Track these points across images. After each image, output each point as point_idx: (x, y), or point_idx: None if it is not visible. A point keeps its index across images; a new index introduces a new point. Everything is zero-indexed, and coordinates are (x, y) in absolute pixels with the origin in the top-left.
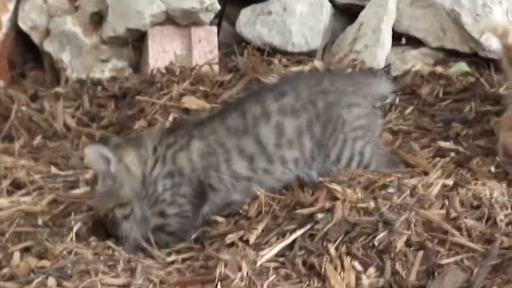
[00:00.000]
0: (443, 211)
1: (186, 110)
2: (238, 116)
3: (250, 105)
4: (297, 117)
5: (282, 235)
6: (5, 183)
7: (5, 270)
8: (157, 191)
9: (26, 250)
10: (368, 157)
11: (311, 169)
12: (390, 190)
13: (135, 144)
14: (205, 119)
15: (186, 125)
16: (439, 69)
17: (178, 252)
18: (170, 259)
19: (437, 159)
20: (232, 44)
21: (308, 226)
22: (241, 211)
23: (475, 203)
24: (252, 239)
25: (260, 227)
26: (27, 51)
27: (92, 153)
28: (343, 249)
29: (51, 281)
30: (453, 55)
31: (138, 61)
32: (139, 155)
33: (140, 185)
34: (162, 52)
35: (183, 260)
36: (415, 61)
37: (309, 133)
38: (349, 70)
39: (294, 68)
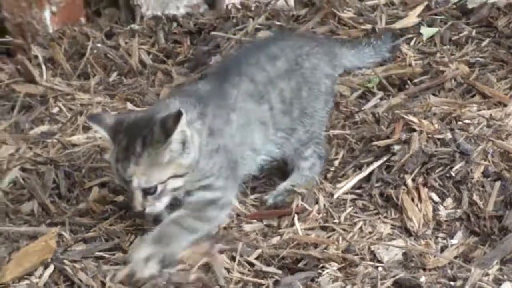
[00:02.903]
0: None
1: None
2: (248, 82)
3: (256, 73)
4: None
5: (359, 167)
6: (81, 119)
7: (82, 205)
8: (209, 165)
9: (102, 186)
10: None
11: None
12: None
13: (188, 112)
14: (220, 87)
15: (211, 93)
16: None
17: (253, 188)
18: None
19: None
20: None
21: (384, 158)
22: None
23: None
24: (329, 174)
25: (336, 161)
26: None
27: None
28: (420, 180)
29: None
30: None
31: None
32: (191, 123)
33: (198, 154)
34: None
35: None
36: None
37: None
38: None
39: (370, 2)
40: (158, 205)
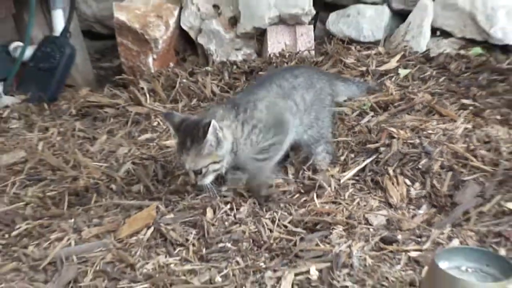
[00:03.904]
0: (465, 145)
1: None
2: (277, 87)
3: (281, 81)
4: (308, 92)
5: (357, 162)
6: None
7: (172, 187)
8: (253, 141)
9: (185, 174)
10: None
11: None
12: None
13: (225, 117)
14: (252, 91)
15: (241, 99)
16: (462, 51)
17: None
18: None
19: (461, 111)
20: (323, 37)
21: (374, 156)
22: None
23: (486, 139)
24: (336, 168)
25: (342, 157)
26: (187, 43)
27: (213, 126)
28: (398, 171)
29: None
30: (471, 42)
31: (260, 49)
32: (229, 125)
33: (231, 145)
34: (276, 42)
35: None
36: (446, 46)
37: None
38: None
39: (365, 52)
40: (205, 180)
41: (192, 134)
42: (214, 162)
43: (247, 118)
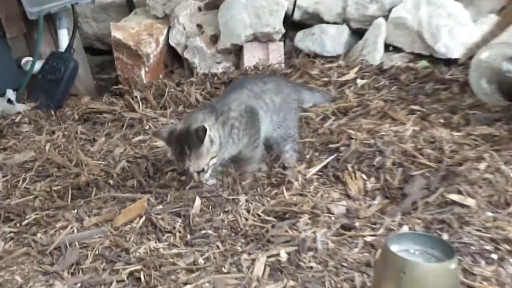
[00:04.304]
0: (413, 145)
1: None
2: (248, 91)
3: (252, 86)
4: (277, 96)
5: (321, 160)
6: None
7: (161, 182)
8: (235, 140)
9: (173, 170)
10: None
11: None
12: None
13: (206, 121)
14: (226, 96)
15: (219, 103)
16: (411, 64)
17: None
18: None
19: (410, 115)
20: (292, 52)
21: (335, 154)
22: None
23: (432, 140)
24: (303, 165)
25: (307, 156)
26: (174, 58)
27: (208, 128)
28: (356, 167)
29: None
30: (419, 56)
31: (238, 63)
32: (212, 125)
33: (218, 140)
34: (251, 57)
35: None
36: (397, 60)
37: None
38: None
39: (327, 65)
40: (206, 175)
41: (187, 141)
42: (212, 158)
43: (225, 120)
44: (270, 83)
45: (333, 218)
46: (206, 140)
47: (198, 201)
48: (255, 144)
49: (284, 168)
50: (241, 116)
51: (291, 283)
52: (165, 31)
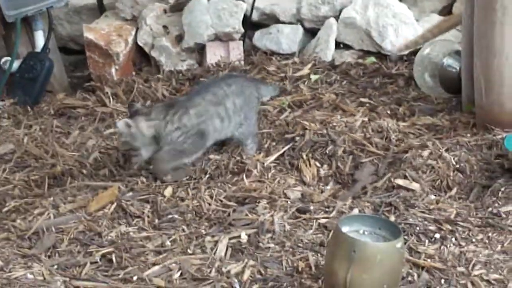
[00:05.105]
0: (363, 134)
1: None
2: (211, 95)
3: (216, 89)
4: (239, 98)
5: (278, 149)
6: None
7: (131, 171)
8: (172, 139)
9: None
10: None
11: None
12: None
13: (147, 115)
14: (190, 97)
15: (180, 102)
16: (360, 60)
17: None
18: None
19: (359, 107)
20: (251, 50)
21: (291, 144)
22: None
23: (379, 130)
24: (261, 154)
25: (265, 145)
26: (142, 56)
27: (121, 123)
28: (310, 155)
29: None
30: (367, 53)
31: (201, 60)
32: (149, 123)
33: (147, 139)
34: (213, 55)
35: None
36: (347, 57)
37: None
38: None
39: (283, 62)
40: (134, 159)
41: None
42: (133, 150)
43: (173, 119)
44: (234, 85)
45: (289, 202)
46: (121, 130)
47: (169, 188)
48: (181, 155)
49: (242, 157)
50: (191, 129)
51: (251, 262)
52: (133, 32)
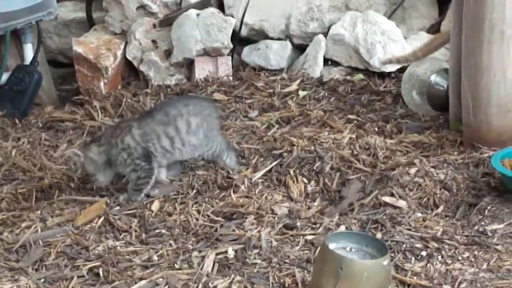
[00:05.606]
0: (350, 151)
1: (216, 100)
2: (163, 114)
3: (170, 109)
4: (196, 117)
5: (265, 165)
6: None
7: (117, 186)
8: (121, 160)
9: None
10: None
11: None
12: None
13: (96, 142)
14: (140, 117)
15: (126, 122)
16: (348, 77)
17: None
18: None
19: (347, 124)
20: (239, 66)
21: (279, 160)
22: (241, 155)
23: (367, 147)
24: (249, 170)
25: (253, 161)
26: (131, 70)
27: (70, 152)
28: (297, 171)
29: None
30: (355, 70)
31: (189, 75)
32: (99, 149)
33: (101, 165)
34: (202, 70)
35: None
36: (336, 73)
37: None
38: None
39: (272, 78)
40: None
41: None
42: (89, 175)
43: (117, 142)
44: (192, 105)
45: (276, 218)
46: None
47: (157, 203)
48: (139, 183)
49: (229, 172)
50: (135, 150)
51: (238, 278)
52: (122, 46)
